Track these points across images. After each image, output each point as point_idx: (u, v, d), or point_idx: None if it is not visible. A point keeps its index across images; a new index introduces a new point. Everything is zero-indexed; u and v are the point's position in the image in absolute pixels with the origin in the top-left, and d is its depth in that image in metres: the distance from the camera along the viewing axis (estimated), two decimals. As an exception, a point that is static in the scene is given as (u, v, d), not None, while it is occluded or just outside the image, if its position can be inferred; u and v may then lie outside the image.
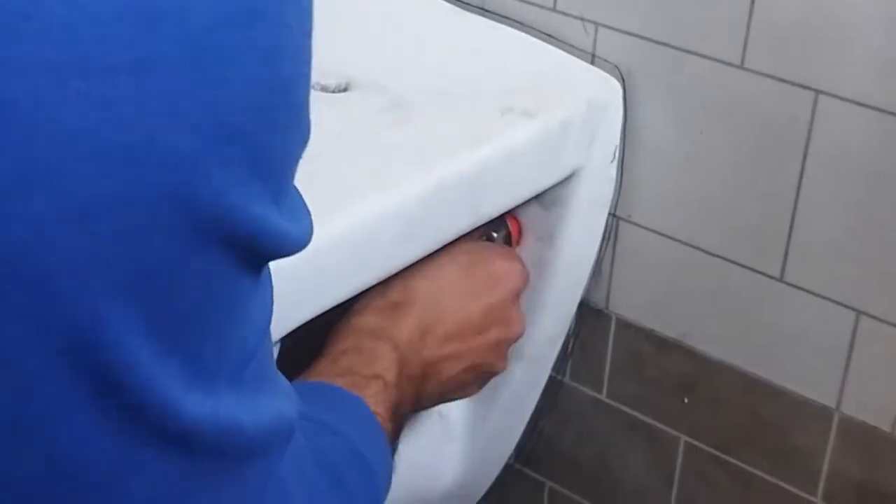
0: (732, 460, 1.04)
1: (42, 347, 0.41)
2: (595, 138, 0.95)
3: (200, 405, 0.45)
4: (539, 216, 0.97)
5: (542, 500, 1.20)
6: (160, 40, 0.39)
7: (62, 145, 0.38)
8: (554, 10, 0.99)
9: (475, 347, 0.89)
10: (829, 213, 0.91)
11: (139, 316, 0.42)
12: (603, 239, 1.03)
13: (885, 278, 0.91)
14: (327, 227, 0.76)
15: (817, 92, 0.88)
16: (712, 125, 0.95)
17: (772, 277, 0.96)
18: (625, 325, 1.07)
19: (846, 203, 0.90)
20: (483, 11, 1.03)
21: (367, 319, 0.85)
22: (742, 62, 0.91)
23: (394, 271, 0.84)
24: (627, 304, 1.06)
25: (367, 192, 0.81)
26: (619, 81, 0.97)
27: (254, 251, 0.45)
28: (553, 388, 1.13)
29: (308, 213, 0.48)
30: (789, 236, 0.94)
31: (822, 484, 1.00)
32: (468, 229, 0.88)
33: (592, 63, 0.98)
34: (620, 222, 1.03)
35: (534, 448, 1.17)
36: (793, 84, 0.89)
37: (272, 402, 0.51)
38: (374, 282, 0.83)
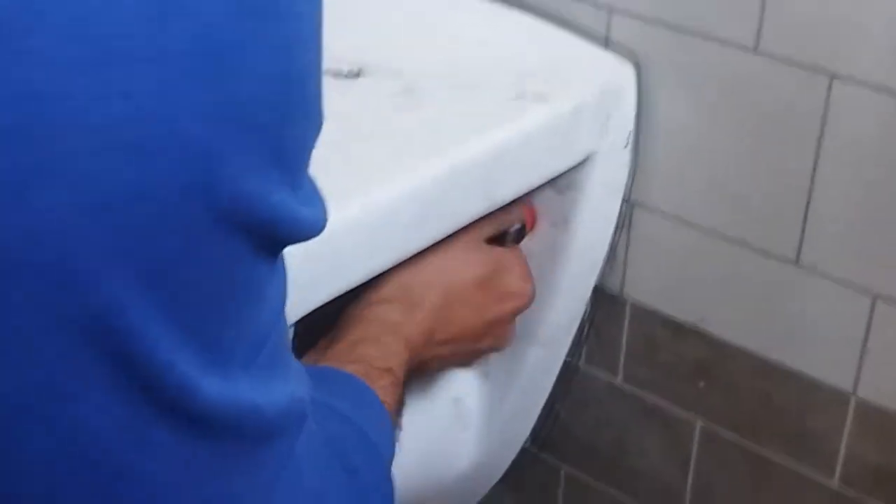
0: (748, 444, 1.04)
1: (64, 333, 0.41)
2: (609, 123, 0.95)
3: (218, 388, 0.46)
4: (553, 201, 0.97)
5: (557, 484, 1.20)
6: (178, 34, 0.40)
7: (83, 137, 0.39)
8: (568, -6, 0.99)
9: (465, 351, 0.94)
10: (844, 198, 0.91)
11: (158, 303, 0.42)
12: (617, 224, 1.03)
13: (901, 262, 0.91)
14: (341, 212, 0.77)
15: (832, 76, 0.88)
16: (726, 110, 0.94)
17: (787, 262, 0.96)
18: (640, 310, 1.06)
19: (861, 187, 0.90)
20: (497, -4, 1.03)
21: (389, 313, 0.86)
22: (756, 46, 0.90)
23: (407, 256, 0.84)
24: (642, 288, 1.06)
25: (380, 176, 0.81)
26: (632, 66, 0.96)
27: (271, 238, 0.46)
28: (568, 373, 1.13)
29: (322, 199, 0.49)
30: (804, 221, 0.93)
31: (838, 468, 0.99)
32: (482, 214, 0.88)
33: (606, 48, 0.98)
34: (635, 207, 1.03)
35: (549, 433, 1.17)
36: (807, 68, 0.89)
37: (286, 386, 0.51)
38: (387, 266, 0.83)
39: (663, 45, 0.95)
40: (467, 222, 0.88)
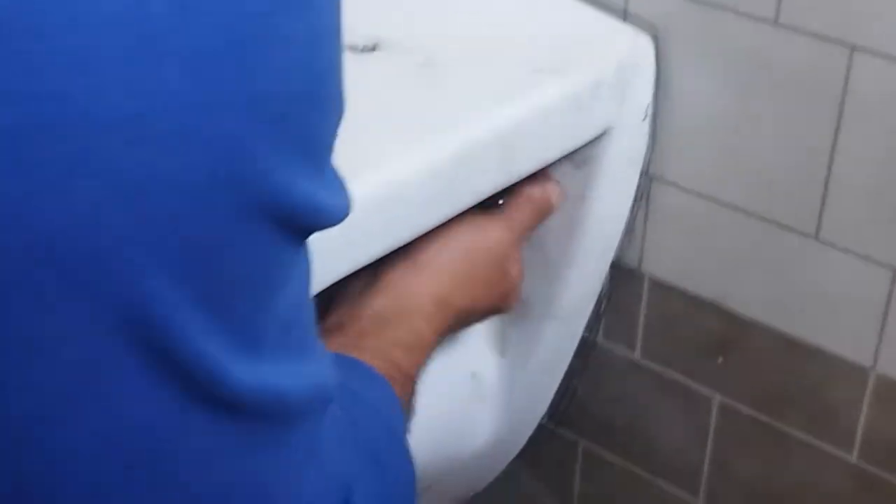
0: (767, 420, 1.04)
1: (100, 323, 0.42)
2: (627, 97, 0.94)
3: (247, 373, 0.47)
4: (571, 175, 0.96)
5: (575, 459, 1.20)
6: (205, 28, 0.41)
7: (114, 131, 0.40)
8: (585, -34, 0.98)
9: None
10: (865, 171, 0.90)
11: (189, 291, 0.43)
12: (636, 198, 1.03)
13: (922, 236, 0.90)
14: (357, 188, 0.75)
15: (853, 47, 0.87)
16: (746, 82, 0.94)
17: (807, 236, 0.95)
18: (658, 285, 1.06)
19: (882, 161, 0.89)
20: (514, -31, 1.02)
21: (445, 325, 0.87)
22: (776, 18, 0.90)
23: (424, 231, 0.84)
24: (660, 263, 1.05)
25: (396, 151, 0.81)
26: (651, 39, 0.96)
27: (298, 225, 0.47)
28: (586, 349, 1.12)
29: (345, 186, 0.50)
30: (824, 194, 0.93)
31: (857, 443, 0.99)
32: (500, 188, 0.88)
33: (624, 20, 0.97)
34: (653, 181, 1.02)
35: (567, 408, 1.17)
36: (828, 40, 0.88)
37: (312, 368, 0.52)
38: (405, 241, 0.83)
39: (682, 18, 0.95)
40: (485, 196, 0.87)
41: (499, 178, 0.87)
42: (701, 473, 1.11)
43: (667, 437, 1.12)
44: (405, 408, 0.79)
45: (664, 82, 0.97)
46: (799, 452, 1.03)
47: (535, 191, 0.95)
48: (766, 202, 0.96)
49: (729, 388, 1.06)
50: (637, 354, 1.10)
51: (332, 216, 0.48)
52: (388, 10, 0.97)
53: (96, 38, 0.39)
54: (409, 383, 0.81)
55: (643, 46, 0.95)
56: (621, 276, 1.08)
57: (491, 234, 0.91)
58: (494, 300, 0.93)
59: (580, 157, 0.95)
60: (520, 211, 0.94)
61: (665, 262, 1.05)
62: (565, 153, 0.93)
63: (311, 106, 0.45)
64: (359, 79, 0.87)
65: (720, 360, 1.05)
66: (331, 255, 0.75)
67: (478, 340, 1.06)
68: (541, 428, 1.16)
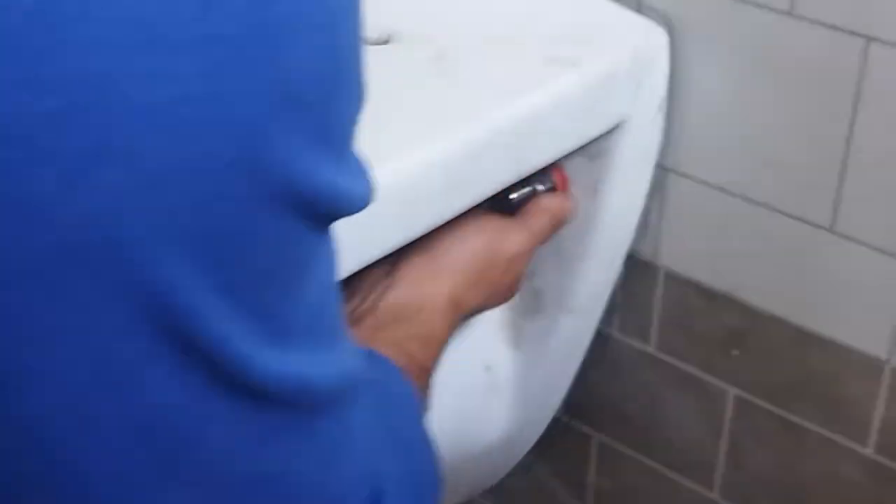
0: (782, 412, 1.04)
1: (122, 311, 0.43)
2: (641, 88, 0.94)
3: (272, 361, 0.47)
4: (584, 167, 0.96)
5: (589, 452, 1.20)
6: (222, 17, 0.41)
7: (135, 119, 0.40)
8: (599, -42, 0.98)
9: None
10: (880, 163, 0.90)
11: (212, 279, 0.44)
12: (650, 190, 1.02)
13: (938, 228, 0.90)
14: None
15: (868, 38, 0.87)
16: (761, 74, 0.93)
17: (822, 228, 0.95)
18: (673, 278, 1.06)
19: (898, 152, 0.89)
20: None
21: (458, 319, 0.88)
22: (791, 9, 0.89)
23: (438, 224, 0.84)
24: (676, 255, 1.05)
25: (409, 143, 0.80)
26: (665, 30, 0.95)
27: (321, 212, 0.47)
28: (601, 341, 1.12)
29: (368, 172, 0.50)
30: (840, 186, 0.93)
31: (873, 435, 0.99)
32: (514, 180, 0.88)
33: (639, 12, 0.97)
34: (668, 173, 1.02)
35: (582, 401, 1.17)
36: (843, 31, 0.87)
37: (339, 356, 0.52)
38: (419, 234, 0.83)
39: (697, 9, 0.94)
40: (498, 189, 0.87)
41: (512, 170, 0.87)
42: (716, 466, 1.11)
43: (682, 430, 1.12)
44: (422, 401, 0.79)
45: (679, 74, 0.97)
46: (814, 445, 1.03)
47: (553, 202, 0.95)
48: (781, 194, 0.96)
49: (744, 381, 1.05)
50: (652, 347, 1.10)
51: (354, 203, 0.48)
52: (401, 2, 0.97)
53: (111, 25, 0.39)
54: (425, 376, 0.81)
55: (658, 38, 0.95)
56: (636, 268, 1.08)
57: (512, 239, 0.92)
58: (498, 301, 0.94)
59: (594, 149, 0.95)
60: (539, 221, 0.94)
61: (680, 254, 1.05)
62: (579, 145, 0.93)
63: (333, 92, 0.45)
64: (371, 72, 0.88)
65: (735, 352, 1.05)
66: (344, 247, 0.75)
67: (492, 334, 1.06)
68: (555, 421, 1.16)
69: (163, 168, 0.41)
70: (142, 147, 0.40)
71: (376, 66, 0.88)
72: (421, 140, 0.81)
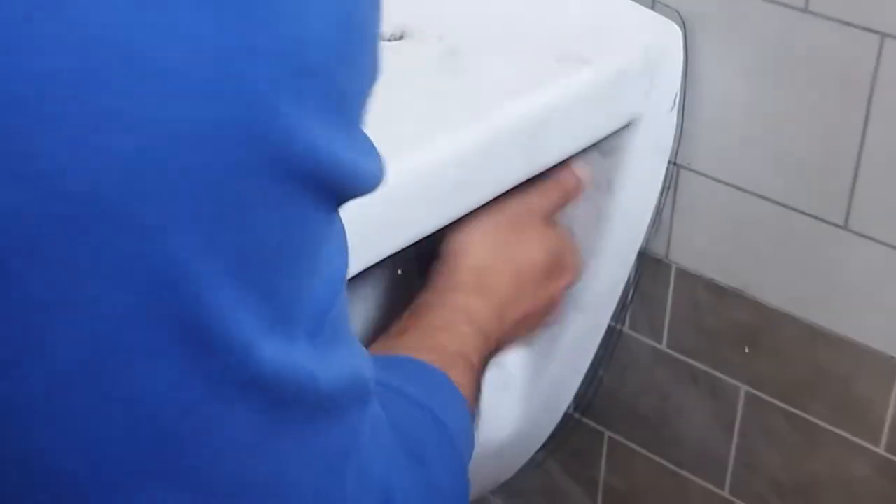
0: (794, 410, 1.03)
1: (123, 285, 0.41)
2: (655, 85, 0.94)
3: (276, 351, 0.46)
4: (598, 164, 0.96)
5: (601, 449, 1.20)
6: None
7: (142, 82, 0.39)
8: (613, -46, 0.98)
9: (526, 328, 0.93)
10: (894, 160, 0.90)
11: (219, 255, 0.42)
12: (663, 187, 1.02)
13: (952, 226, 0.89)
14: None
15: (883, 35, 0.86)
16: (775, 70, 0.93)
17: (835, 225, 0.94)
18: (685, 275, 1.06)
19: (912, 149, 0.89)
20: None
21: (461, 300, 0.86)
22: (806, 5, 0.89)
23: (449, 221, 0.84)
24: (687, 253, 1.05)
25: (424, 140, 0.80)
26: (679, 27, 0.95)
27: (330, 189, 0.46)
28: (612, 338, 1.12)
29: (378, 152, 0.49)
30: (853, 184, 0.92)
31: (885, 434, 0.99)
32: (526, 177, 0.88)
33: (652, 8, 0.97)
34: (681, 170, 1.02)
35: (593, 398, 1.17)
36: (858, 27, 0.87)
37: (348, 359, 0.51)
38: (429, 231, 0.83)
39: (710, 5, 0.94)
40: (510, 186, 0.87)
41: (524, 168, 0.87)
42: (727, 464, 1.10)
43: (693, 428, 1.11)
44: (468, 388, 0.78)
45: (692, 71, 0.97)
46: (826, 443, 1.02)
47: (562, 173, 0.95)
48: (794, 191, 0.96)
49: (755, 379, 1.05)
50: (663, 344, 1.10)
51: (363, 181, 0.47)
52: (414, -1, 0.97)
53: None
54: (462, 362, 0.80)
55: (671, 34, 0.95)
56: (648, 265, 1.07)
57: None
58: (539, 293, 0.92)
59: (607, 146, 0.94)
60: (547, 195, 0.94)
61: (692, 251, 1.05)
62: (592, 142, 0.93)
63: (342, 60, 0.44)
64: (384, 68, 0.88)
65: (747, 350, 1.04)
66: (354, 245, 0.74)
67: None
68: (566, 418, 1.16)
69: (166, 133, 0.40)
70: (147, 110, 0.39)
71: (389, 63, 0.89)
72: (433, 137, 0.81)
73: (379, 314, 0.99)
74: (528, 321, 0.92)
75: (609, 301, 1.07)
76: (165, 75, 0.39)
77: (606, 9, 0.96)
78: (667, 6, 0.96)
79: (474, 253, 0.88)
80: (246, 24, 0.40)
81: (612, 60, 0.90)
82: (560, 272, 0.94)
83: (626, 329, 1.12)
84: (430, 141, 0.80)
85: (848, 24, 0.88)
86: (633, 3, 0.96)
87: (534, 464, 1.18)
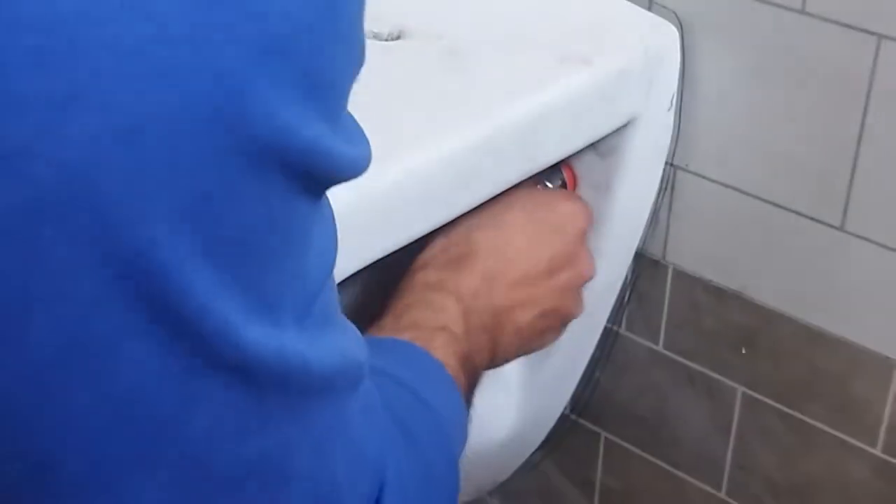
0: (791, 412, 1.03)
1: (98, 275, 0.40)
2: (652, 86, 0.94)
3: (261, 336, 0.45)
4: (595, 165, 0.96)
5: (597, 450, 1.20)
6: None
7: (110, 61, 0.38)
8: (610, -45, 0.98)
9: (546, 292, 0.88)
10: (892, 162, 0.90)
11: (193, 239, 0.41)
12: (660, 188, 1.02)
13: (949, 227, 0.89)
14: (382, 176, 0.76)
15: (880, 37, 0.86)
16: (772, 71, 0.93)
17: (832, 227, 0.94)
18: (682, 276, 1.06)
19: (909, 150, 0.89)
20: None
21: (429, 274, 0.84)
22: (803, 7, 0.89)
23: (448, 220, 0.84)
24: (684, 254, 1.05)
25: (422, 139, 0.80)
26: (676, 27, 0.95)
27: (309, 174, 0.44)
28: (609, 339, 1.12)
29: (365, 137, 0.48)
30: (850, 185, 0.92)
31: (882, 435, 0.99)
32: (524, 177, 0.88)
33: (650, 9, 0.97)
34: (678, 171, 1.02)
35: (589, 399, 1.17)
36: (855, 29, 0.87)
37: (339, 342, 0.51)
38: (429, 229, 0.83)
39: (708, 6, 0.94)
40: (508, 185, 0.87)
41: (522, 167, 0.87)
42: (723, 465, 1.10)
43: (689, 429, 1.11)
44: (460, 366, 0.76)
45: (690, 72, 0.97)
46: (823, 445, 1.02)
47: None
48: (791, 193, 0.96)
49: (752, 380, 1.05)
50: (660, 345, 1.10)
51: (347, 166, 0.46)
52: (412, -2, 0.97)
53: None
54: (451, 337, 0.78)
55: (669, 35, 0.95)
56: (645, 266, 1.07)
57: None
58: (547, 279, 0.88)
59: (605, 146, 0.94)
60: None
61: (689, 252, 1.05)
62: (590, 142, 0.93)
63: (320, 42, 0.43)
64: (383, 67, 0.88)
65: (744, 351, 1.04)
66: (354, 242, 0.75)
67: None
68: (563, 419, 1.16)
69: (138, 115, 0.39)
70: (115, 91, 0.38)
71: (388, 62, 0.89)
72: (431, 136, 0.81)
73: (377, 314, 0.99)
74: (543, 277, 0.87)
75: (606, 301, 1.07)
76: (133, 53, 0.38)
77: (605, 10, 0.96)
78: (664, 7, 0.96)
79: (445, 232, 0.85)
80: (216, 4, 0.40)
81: (610, 61, 0.90)
82: (560, 221, 0.90)
83: (622, 330, 1.12)
84: (429, 140, 0.80)
85: (845, 25, 0.88)
86: (630, 4, 0.96)
87: (530, 465, 1.18)
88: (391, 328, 0.79)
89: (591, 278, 0.92)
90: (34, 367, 0.41)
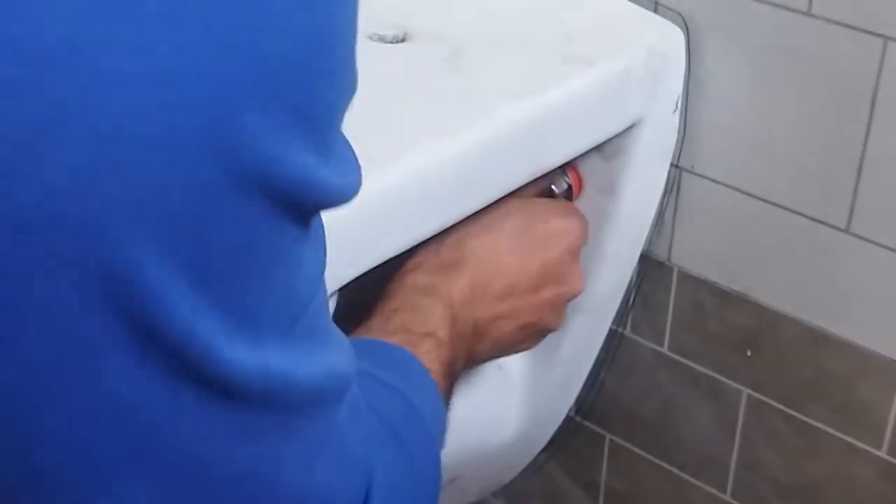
0: (796, 414, 1.03)
1: (82, 295, 0.41)
2: (657, 87, 0.94)
3: (247, 356, 0.45)
4: (600, 167, 0.96)
5: (602, 452, 1.20)
6: None
7: (96, 89, 0.38)
8: (616, -43, 0.98)
9: (530, 305, 0.88)
10: (897, 163, 0.90)
11: (177, 263, 0.42)
12: (665, 190, 1.02)
13: (955, 229, 0.89)
14: (385, 178, 0.76)
15: (886, 38, 0.86)
16: (777, 73, 0.93)
17: (838, 229, 0.94)
18: (687, 278, 1.06)
19: (915, 153, 0.89)
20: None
21: (419, 278, 0.84)
22: (809, 8, 0.89)
23: (452, 222, 0.84)
24: (690, 256, 1.05)
25: (426, 141, 0.80)
26: (681, 29, 0.95)
27: (295, 203, 0.45)
28: (614, 341, 1.12)
29: (357, 165, 0.48)
30: (856, 187, 0.92)
31: (887, 438, 0.98)
32: (528, 179, 0.88)
33: (655, 11, 0.97)
34: (683, 173, 1.02)
35: (594, 401, 1.17)
36: (861, 30, 0.87)
37: (326, 356, 0.51)
38: (431, 233, 0.83)
39: (713, 8, 0.94)
40: (513, 188, 0.87)
41: (526, 169, 0.87)
42: (728, 467, 1.10)
43: (694, 431, 1.11)
44: (442, 371, 0.77)
45: (695, 73, 0.97)
46: (828, 447, 1.02)
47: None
48: (796, 195, 0.96)
49: (757, 382, 1.05)
50: (665, 347, 1.10)
51: (333, 195, 0.46)
52: (417, 1, 0.97)
53: None
54: (430, 340, 0.78)
55: (674, 37, 0.95)
56: (650, 268, 1.07)
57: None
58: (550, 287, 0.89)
59: (610, 148, 0.94)
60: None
61: (694, 254, 1.04)
62: (595, 144, 0.92)
63: (310, 74, 0.43)
64: (388, 70, 0.88)
65: (749, 353, 1.04)
66: (355, 246, 0.75)
67: (505, 332, 1.05)
68: (568, 421, 1.16)
69: (124, 142, 0.39)
70: (101, 119, 0.39)
71: (392, 65, 0.89)
72: (435, 138, 0.81)
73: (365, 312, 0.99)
74: (527, 291, 0.87)
75: (611, 304, 1.07)
76: (119, 84, 0.39)
77: (610, 11, 0.96)
78: (669, 9, 0.96)
79: (437, 235, 0.85)
80: (202, 34, 0.40)
81: (614, 62, 0.90)
82: (551, 235, 0.89)
83: (627, 332, 1.12)
84: (433, 141, 0.80)
85: (851, 27, 0.87)
86: (635, 6, 0.96)
87: (535, 466, 1.18)
88: (380, 329, 0.79)
89: (577, 295, 0.92)
90: (19, 379, 0.42)
